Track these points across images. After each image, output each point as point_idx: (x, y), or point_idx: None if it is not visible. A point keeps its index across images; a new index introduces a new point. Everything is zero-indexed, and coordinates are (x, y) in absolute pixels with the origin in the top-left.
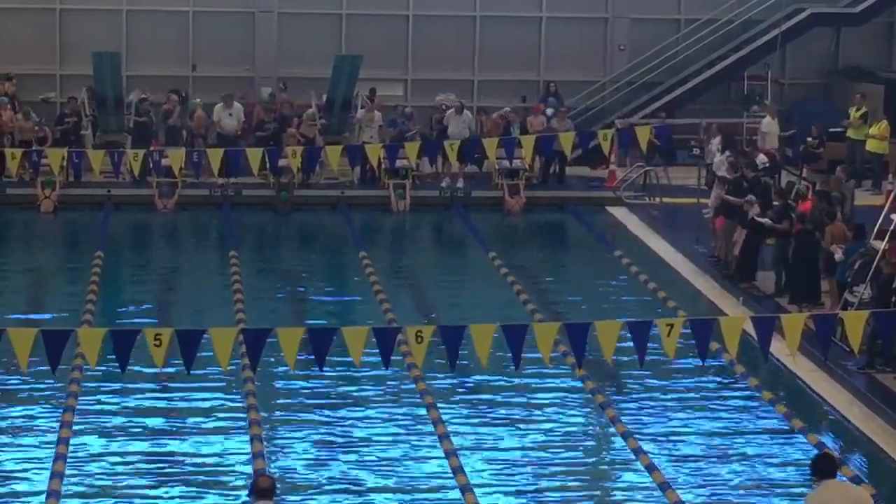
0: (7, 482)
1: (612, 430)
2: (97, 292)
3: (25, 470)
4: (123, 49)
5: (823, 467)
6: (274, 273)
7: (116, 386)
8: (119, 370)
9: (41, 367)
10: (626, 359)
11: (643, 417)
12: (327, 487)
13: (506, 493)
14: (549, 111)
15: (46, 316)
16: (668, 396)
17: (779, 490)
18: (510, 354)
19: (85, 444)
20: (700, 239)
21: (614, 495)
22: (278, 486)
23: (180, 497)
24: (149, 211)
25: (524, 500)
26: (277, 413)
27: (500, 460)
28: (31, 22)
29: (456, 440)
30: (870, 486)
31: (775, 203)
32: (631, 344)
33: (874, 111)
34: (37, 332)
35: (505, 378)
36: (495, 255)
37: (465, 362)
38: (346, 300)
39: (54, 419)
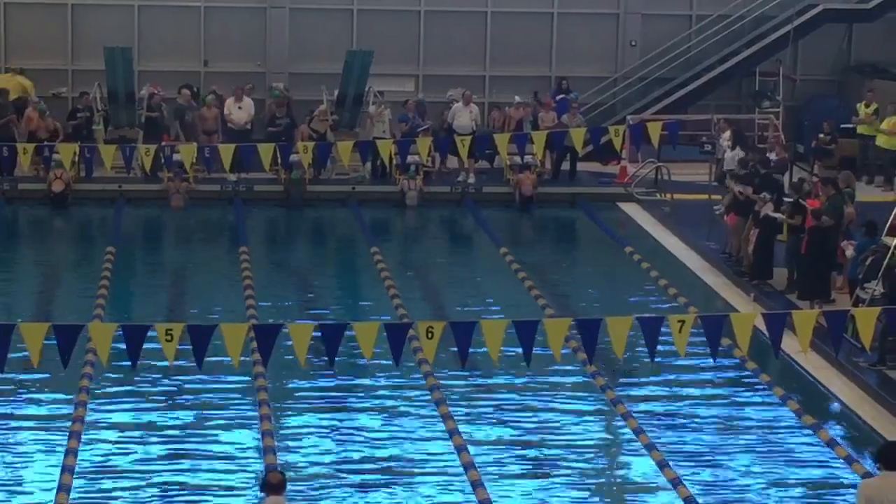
0: (18, 477)
1: (623, 425)
2: (108, 287)
3: (37, 464)
4: (135, 44)
5: (889, 457)
6: (285, 268)
7: (127, 381)
8: (130, 365)
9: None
10: (636, 356)
11: (654, 413)
12: (337, 482)
13: (512, 486)
14: (559, 97)
15: (58, 311)
16: (679, 391)
17: (790, 486)
18: (521, 350)
19: (96, 439)
20: (711, 235)
21: (624, 489)
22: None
23: (190, 492)
24: (160, 206)
25: (530, 492)
26: (288, 409)
27: (508, 455)
28: (43, 17)
29: (465, 434)
30: None
31: (787, 199)
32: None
33: (886, 107)
34: (48, 327)
35: (515, 373)
36: (506, 250)
37: (476, 358)
38: (357, 296)
39: (66, 414)
